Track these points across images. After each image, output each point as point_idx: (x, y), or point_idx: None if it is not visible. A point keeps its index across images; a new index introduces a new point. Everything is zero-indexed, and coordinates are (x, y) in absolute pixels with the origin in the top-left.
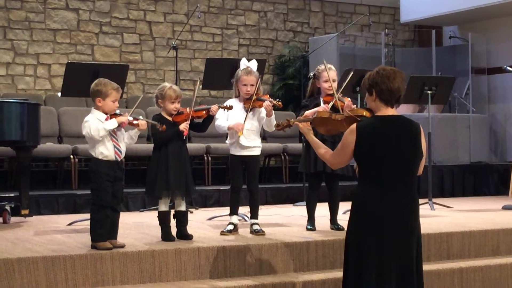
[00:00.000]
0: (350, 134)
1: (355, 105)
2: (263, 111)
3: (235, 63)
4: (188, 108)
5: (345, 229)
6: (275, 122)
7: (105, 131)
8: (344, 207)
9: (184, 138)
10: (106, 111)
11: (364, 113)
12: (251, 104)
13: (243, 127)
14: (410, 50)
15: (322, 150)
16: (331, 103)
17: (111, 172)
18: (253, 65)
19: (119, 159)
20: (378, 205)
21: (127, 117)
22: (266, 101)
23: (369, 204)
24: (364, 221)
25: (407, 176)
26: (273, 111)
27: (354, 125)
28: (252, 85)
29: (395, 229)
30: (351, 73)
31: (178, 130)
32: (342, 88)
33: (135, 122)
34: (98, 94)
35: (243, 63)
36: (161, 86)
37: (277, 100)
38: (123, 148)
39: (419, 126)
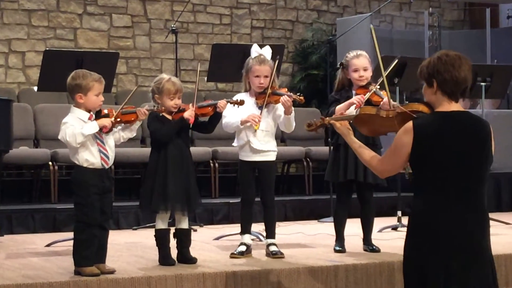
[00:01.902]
0: (404, 134)
1: (395, 102)
2: (279, 108)
3: (247, 50)
4: (190, 105)
5: (380, 250)
6: (294, 123)
7: (83, 137)
8: (380, 223)
9: (190, 127)
10: (90, 108)
11: (421, 109)
12: (265, 99)
13: (260, 119)
14: (459, 33)
15: (367, 155)
16: (367, 95)
17: (99, 182)
18: (267, 52)
19: (107, 167)
20: (443, 220)
21: (110, 120)
22: (284, 95)
23: (433, 220)
24: (427, 241)
25: (475, 185)
26: (292, 108)
27: (409, 124)
28: (266, 76)
29: (467, 249)
30: (396, 61)
31: (182, 120)
32: (381, 79)
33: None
34: (77, 90)
35: (255, 50)
36: (158, 78)
37: (298, 94)
38: (110, 153)
39: (489, 125)
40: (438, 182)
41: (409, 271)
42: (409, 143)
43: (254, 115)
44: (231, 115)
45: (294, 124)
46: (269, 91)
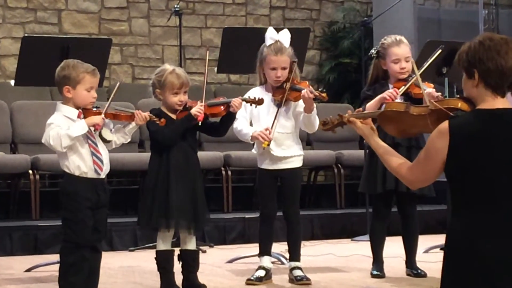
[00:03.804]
0: (438, 137)
1: (440, 93)
2: (300, 104)
3: (264, 35)
4: (199, 102)
5: (427, 275)
6: (317, 122)
7: (69, 140)
8: (426, 242)
9: (199, 124)
10: (79, 105)
11: (460, 105)
12: (284, 96)
13: (270, 133)
14: None
15: (395, 162)
16: (402, 89)
17: (92, 194)
18: (284, 37)
19: (101, 173)
20: (488, 242)
21: (101, 117)
22: (304, 90)
23: (474, 242)
24: (468, 267)
25: None
26: (314, 105)
27: (445, 124)
28: (285, 67)
29: None
30: (439, 51)
31: (189, 117)
32: (423, 69)
33: (122, 114)
34: (65, 81)
35: (270, 35)
36: (160, 69)
37: (321, 90)
38: (105, 157)
39: None
40: (481, 197)
41: None
42: (444, 148)
43: (263, 132)
44: (242, 119)
45: (317, 123)
46: (288, 85)
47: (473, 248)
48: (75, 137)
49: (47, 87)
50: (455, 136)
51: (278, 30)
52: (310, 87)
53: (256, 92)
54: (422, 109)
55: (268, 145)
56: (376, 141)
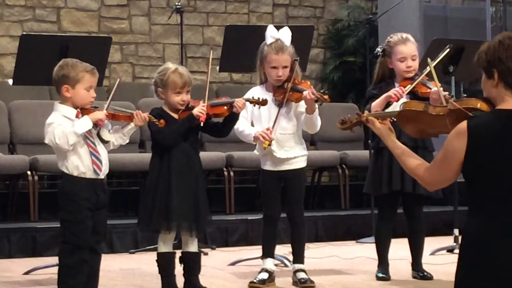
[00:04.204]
0: (456, 138)
1: (447, 92)
2: (302, 104)
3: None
4: (201, 102)
5: (433, 277)
6: (319, 122)
7: (75, 137)
8: (432, 244)
9: (201, 125)
10: (77, 104)
11: (479, 105)
12: (285, 96)
13: (271, 133)
14: None
15: (412, 163)
16: (408, 88)
17: (92, 195)
18: (285, 35)
19: (100, 174)
20: (504, 243)
21: (104, 112)
22: (306, 92)
23: (490, 243)
24: (483, 268)
25: None
26: (316, 106)
27: (463, 124)
28: (286, 66)
29: None
30: (447, 50)
31: (191, 118)
32: (428, 69)
33: (121, 114)
34: (64, 81)
35: (270, 34)
36: (163, 68)
37: (322, 91)
38: (104, 157)
39: None
40: (499, 199)
41: None
42: (462, 149)
43: (264, 132)
44: (244, 121)
45: (318, 124)
46: (290, 85)
47: (489, 249)
48: (81, 133)
49: (46, 87)
50: (473, 137)
51: (278, 28)
52: (312, 87)
53: (257, 91)
54: (441, 109)
55: (269, 145)
56: (394, 142)
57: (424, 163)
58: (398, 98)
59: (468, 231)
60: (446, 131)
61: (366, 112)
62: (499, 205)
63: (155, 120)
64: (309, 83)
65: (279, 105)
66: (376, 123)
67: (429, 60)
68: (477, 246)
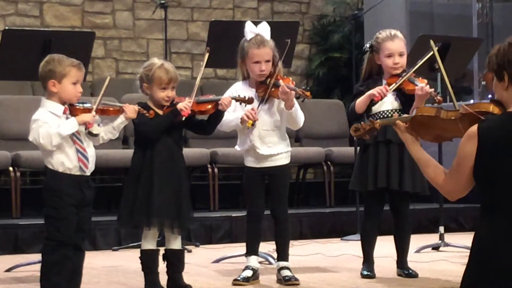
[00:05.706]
0: (467, 142)
1: (433, 89)
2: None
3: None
4: (187, 98)
5: (418, 275)
6: (301, 118)
7: (59, 138)
8: (418, 241)
9: (183, 119)
10: (64, 99)
11: (491, 109)
12: (268, 90)
13: (255, 113)
14: None
15: (432, 171)
16: (393, 86)
17: (77, 191)
18: (264, 30)
19: (87, 171)
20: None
21: (92, 114)
22: (282, 86)
23: (501, 247)
24: (494, 277)
25: None
26: (295, 102)
27: (473, 128)
28: (268, 60)
29: None
30: (436, 48)
31: (174, 112)
32: (418, 66)
33: (111, 108)
34: (51, 75)
35: (249, 29)
36: (148, 63)
37: (304, 88)
38: (91, 154)
39: None
40: (508, 201)
41: None
42: (472, 152)
43: (250, 110)
44: (226, 114)
45: (300, 120)
46: (273, 80)
47: (500, 252)
48: (65, 135)
49: (29, 82)
50: (483, 139)
51: (256, 24)
52: (292, 83)
53: (239, 87)
54: (453, 113)
55: (253, 124)
56: (417, 151)
57: (443, 171)
58: (381, 97)
59: (479, 234)
60: (460, 135)
61: (379, 120)
62: (509, 207)
63: (144, 111)
64: (291, 79)
65: (261, 100)
66: (402, 129)
67: (431, 42)
68: (489, 249)
